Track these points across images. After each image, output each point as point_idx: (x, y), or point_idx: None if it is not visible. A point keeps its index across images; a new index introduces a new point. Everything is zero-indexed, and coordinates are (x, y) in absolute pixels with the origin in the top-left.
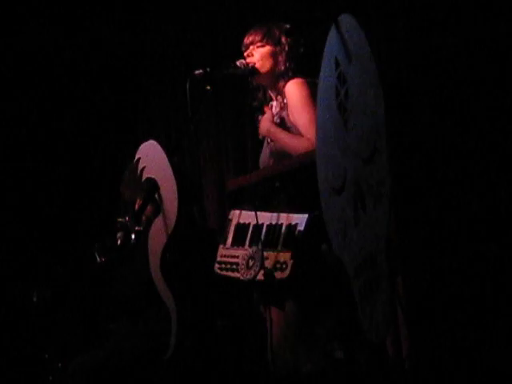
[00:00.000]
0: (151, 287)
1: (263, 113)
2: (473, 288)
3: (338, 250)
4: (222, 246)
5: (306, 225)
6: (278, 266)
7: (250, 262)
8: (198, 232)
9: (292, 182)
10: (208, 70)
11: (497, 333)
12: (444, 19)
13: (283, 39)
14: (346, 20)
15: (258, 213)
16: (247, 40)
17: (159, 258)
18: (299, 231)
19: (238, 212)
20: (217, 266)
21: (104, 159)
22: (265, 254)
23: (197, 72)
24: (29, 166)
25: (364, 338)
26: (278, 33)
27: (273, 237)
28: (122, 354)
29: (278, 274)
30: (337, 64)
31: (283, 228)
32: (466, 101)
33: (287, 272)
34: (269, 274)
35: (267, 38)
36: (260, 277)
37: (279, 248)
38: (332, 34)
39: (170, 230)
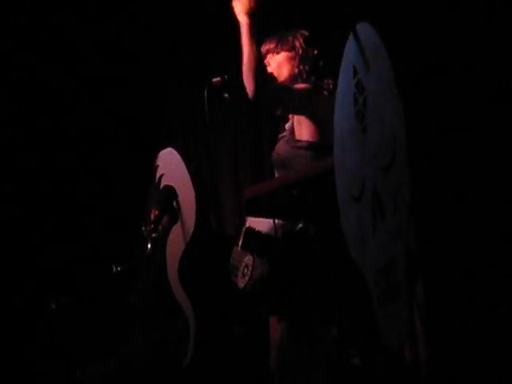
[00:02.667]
0: (169, 295)
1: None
2: (493, 294)
3: (356, 257)
4: (236, 247)
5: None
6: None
7: (245, 270)
8: (215, 240)
9: (310, 190)
10: (226, 77)
11: None
12: (463, 26)
13: (297, 43)
14: (363, 28)
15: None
16: (263, 49)
17: (177, 265)
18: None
19: (249, 219)
20: (229, 266)
21: (123, 166)
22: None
23: (215, 80)
24: (48, 170)
25: (381, 345)
26: (291, 38)
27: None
28: (139, 362)
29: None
30: (355, 72)
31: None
32: (488, 106)
33: (246, 280)
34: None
35: (281, 45)
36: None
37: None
38: (350, 42)
39: (188, 238)
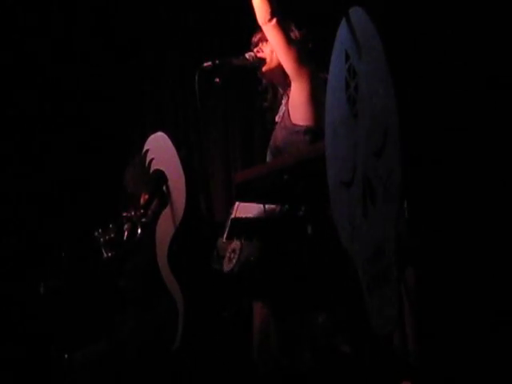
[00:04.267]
0: (158, 279)
1: (272, 114)
2: (484, 281)
3: (346, 242)
4: (220, 238)
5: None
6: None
7: (232, 255)
8: (205, 224)
9: (300, 174)
10: (217, 62)
11: (507, 328)
12: (458, 12)
13: (291, 35)
14: (356, 13)
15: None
16: (255, 38)
17: (167, 249)
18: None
19: (237, 205)
20: (212, 258)
21: (111, 151)
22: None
23: (206, 64)
24: (36, 155)
25: (370, 332)
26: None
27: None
28: (129, 346)
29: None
30: (347, 57)
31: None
32: (481, 94)
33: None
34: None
35: None
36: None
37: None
38: (342, 27)
39: (177, 222)
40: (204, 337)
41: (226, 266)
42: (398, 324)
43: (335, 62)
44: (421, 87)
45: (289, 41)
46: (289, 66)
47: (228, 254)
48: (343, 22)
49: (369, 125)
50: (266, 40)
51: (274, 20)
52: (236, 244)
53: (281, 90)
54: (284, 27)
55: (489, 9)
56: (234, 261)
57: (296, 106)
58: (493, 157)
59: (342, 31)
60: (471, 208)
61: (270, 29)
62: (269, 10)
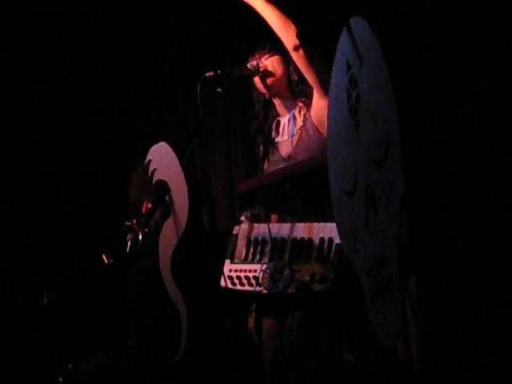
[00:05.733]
0: (161, 289)
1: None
2: (486, 289)
3: (348, 252)
4: (228, 261)
5: None
6: (317, 278)
7: (276, 276)
8: (207, 234)
9: (303, 184)
10: (219, 72)
11: (510, 335)
12: (458, 21)
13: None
14: (357, 23)
15: (265, 224)
16: (256, 56)
17: (170, 259)
18: (337, 244)
19: (244, 227)
20: (227, 281)
21: (114, 161)
22: (295, 267)
23: (208, 74)
24: (39, 167)
25: (374, 341)
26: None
27: (300, 250)
28: (132, 356)
29: (316, 286)
30: (348, 67)
31: (316, 241)
32: (483, 101)
33: (329, 284)
34: (304, 286)
35: (275, 50)
36: (291, 290)
37: (312, 261)
38: (343, 37)
39: (180, 232)
40: (207, 347)
41: (272, 287)
42: (402, 333)
43: (337, 72)
44: (422, 96)
45: (315, 71)
46: (316, 89)
47: (267, 275)
48: (344, 32)
49: (370, 134)
50: (266, 55)
51: (301, 51)
52: (276, 265)
53: (282, 103)
54: (310, 57)
55: (487, 18)
56: (286, 281)
57: (323, 120)
58: (495, 166)
59: (344, 41)
60: (473, 217)
61: (295, 56)
62: (292, 39)
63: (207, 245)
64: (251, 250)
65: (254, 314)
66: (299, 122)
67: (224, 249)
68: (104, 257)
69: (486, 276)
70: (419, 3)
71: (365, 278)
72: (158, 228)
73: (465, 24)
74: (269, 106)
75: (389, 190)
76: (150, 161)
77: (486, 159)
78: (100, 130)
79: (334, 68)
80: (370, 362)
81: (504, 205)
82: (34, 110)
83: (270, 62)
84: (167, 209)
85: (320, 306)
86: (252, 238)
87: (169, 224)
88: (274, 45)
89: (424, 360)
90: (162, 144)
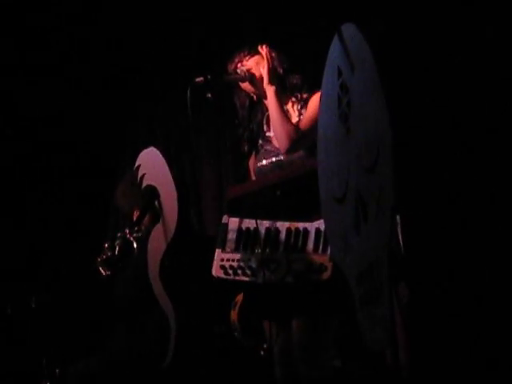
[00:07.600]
0: (150, 295)
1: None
2: (478, 296)
3: (339, 259)
4: (219, 250)
5: None
6: (315, 268)
7: (272, 266)
8: (196, 239)
9: (293, 190)
10: (209, 77)
11: (499, 342)
12: (449, 26)
13: (269, 54)
14: (348, 29)
15: (259, 221)
16: (235, 60)
17: (158, 265)
18: None
19: (234, 218)
20: (219, 271)
21: (104, 167)
22: (291, 257)
23: (197, 79)
24: (31, 170)
25: (363, 347)
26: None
27: (296, 241)
28: (120, 360)
29: (315, 276)
30: (339, 73)
31: (312, 232)
32: (473, 106)
33: (328, 273)
34: (302, 275)
35: (253, 52)
36: (288, 279)
37: (309, 251)
38: (334, 44)
39: (169, 238)
40: (196, 353)
41: (267, 277)
42: (391, 339)
43: (328, 78)
44: (414, 102)
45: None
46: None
47: (261, 265)
48: (335, 39)
49: (361, 141)
50: (246, 57)
51: (273, 88)
52: (272, 254)
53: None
54: (280, 98)
55: (481, 26)
56: (282, 271)
57: None
58: (487, 171)
59: (335, 47)
60: (465, 223)
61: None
62: (266, 74)
63: (195, 250)
64: (243, 238)
65: (237, 306)
66: (294, 118)
67: (212, 254)
68: (101, 269)
69: (475, 283)
70: (410, 9)
71: (354, 285)
72: (147, 233)
73: (456, 30)
74: (257, 105)
75: (379, 196)
76: (139, 166)
77: (477, 165)
78: (90, 136)
79: (324, 74)
80: (357, 368)
81: (495, 211)
82: (26, 124)
83: (253, 62)
84: (156, 214)
85: (319, 296)
86: (244, 227)
87: (158, 229)
88: (252, 45)
89: (412, 366)
90: (151, 149)
